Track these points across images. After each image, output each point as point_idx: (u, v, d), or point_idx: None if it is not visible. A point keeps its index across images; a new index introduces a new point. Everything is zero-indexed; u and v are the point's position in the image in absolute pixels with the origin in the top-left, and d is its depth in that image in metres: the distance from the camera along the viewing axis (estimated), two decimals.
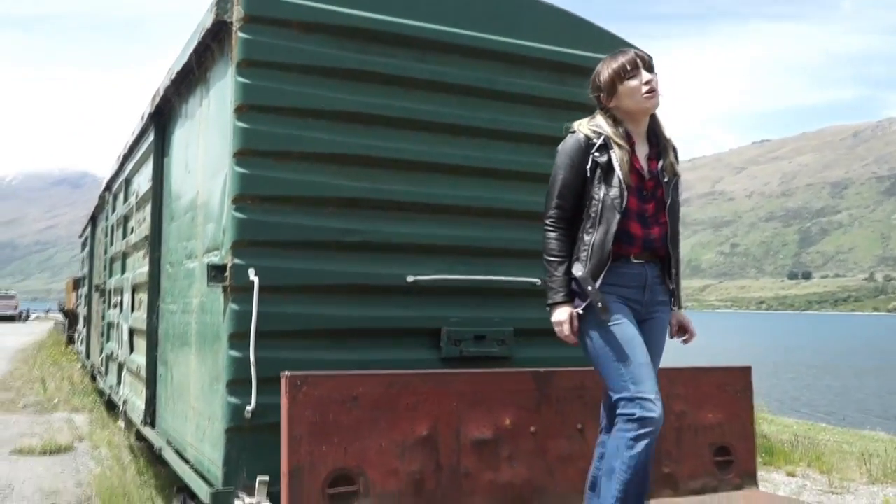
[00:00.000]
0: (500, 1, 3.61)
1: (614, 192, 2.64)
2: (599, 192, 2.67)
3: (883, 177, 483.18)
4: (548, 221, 2.76)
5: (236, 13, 3.07)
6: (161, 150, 4.57)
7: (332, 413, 2.52)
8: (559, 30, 3.69)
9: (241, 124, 3.06)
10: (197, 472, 3.33)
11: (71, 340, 17.68)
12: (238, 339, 2.97)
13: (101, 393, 9.19)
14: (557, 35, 3.67)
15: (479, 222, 3.45)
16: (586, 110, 3.67)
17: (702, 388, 3.20)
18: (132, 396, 5.31)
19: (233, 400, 2.95)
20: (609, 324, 2.62)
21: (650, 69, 2.74)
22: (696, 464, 3.12)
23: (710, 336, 47.19)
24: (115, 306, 6.55)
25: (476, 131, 3.47)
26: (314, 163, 3.17)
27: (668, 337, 2.87)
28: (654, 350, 2.74)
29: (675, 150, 2.82)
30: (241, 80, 3.06)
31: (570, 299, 2.68)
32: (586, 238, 2.67)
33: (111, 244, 7.06)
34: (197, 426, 3.42)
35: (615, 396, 2.59)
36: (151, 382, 4.50)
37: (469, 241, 3.42)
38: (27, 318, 52.86)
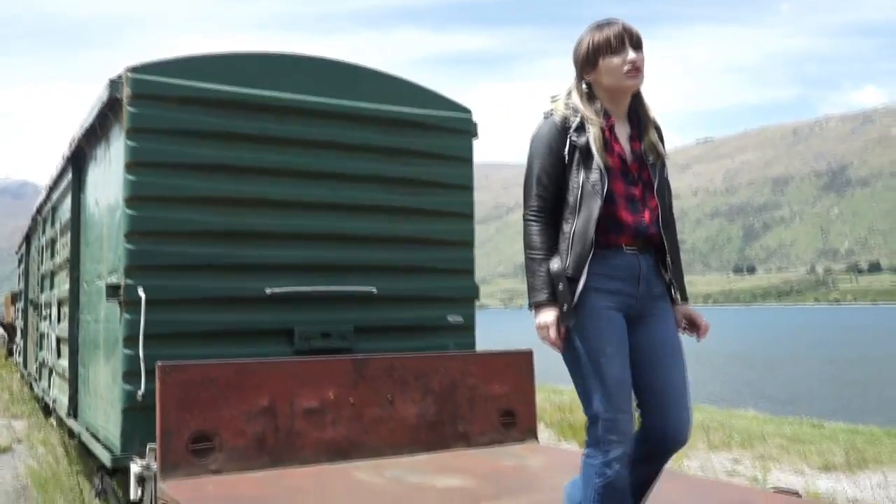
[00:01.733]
0: (341, 70, 4.62)
1: (594, 175, 2.46)
2: (579, 177, 2.48)
3: (821, 172, 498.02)
4: (529, 214, 2.54)
5: (125, 92, 4.02)
6: (78, 187, 5.47)
7: (194, 391, 3.48)
8: (390, 92, 4.71)
9: (129, 177, 4.01)
10: (105, 447, 4.25)
11: (10, 353, 18.15)
12: (130, 341, 3.92)
13: (38, 400, 9.93)
14: (389, 96, 4.69)
15: (325, 245, 4.45)
16: (415, 155, 4.71)
17: (492, 367, 4.25)
18: (60, 395, 6.18)
19: (127, 387, 3.90)
20: (585, 331, 2.42)
21: (637, 46, 2.53)
22: (485, 424, 4.16)
23: None
24: (45, 318, 7.39)
25: (323, 175, 4.46)
26: (190, 204, 4.12)
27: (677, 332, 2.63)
28: (667, 348, 2.54)
29: (658, 129, 2.64)
30: (129, 143, 4.01)
31: (556, 299, 2.43)
32: (566, 228, 2.48)
33: (42, 263, 7.88)
34: (104, 411, 4.35)
35: (585, 411, 2.46)
36: (74, 381, 5.40)
37: (317, 260, 4.41)
38: None
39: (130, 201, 4.00)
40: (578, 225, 2.45)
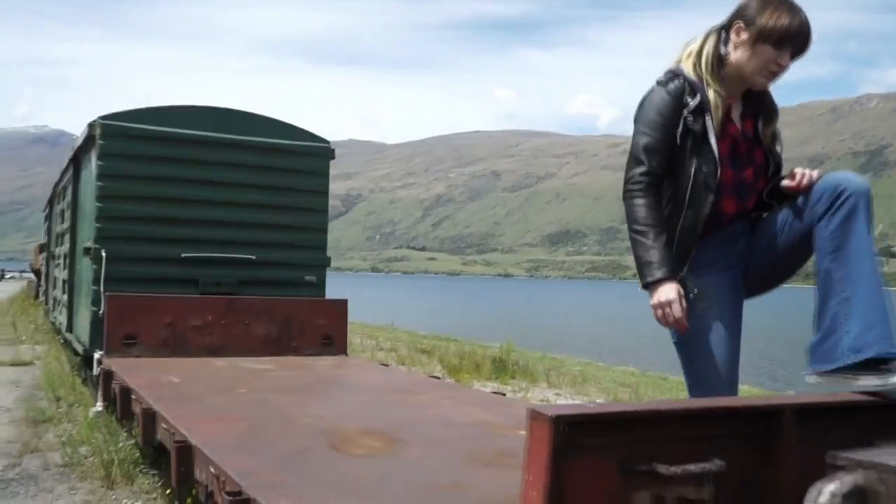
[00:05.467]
0: (238, 115, 7.23)
1: (708, 167, 2.34)
2: (691, 165, 2.35)
3: (859, 152, 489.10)
4: (634, 187, 2.37)
5: (97, 132, 6.64)
6: (76, 179, 8.14)
7: (126, 309, 6.13)
8: (271, 129, 7.29)
9: (99, 183, 6.65)
10: (82, 345, 6.96)
11: (37, 295, 21.21)
12: (96, 282, 6.58)
13: (56, 331, 12.78)
14: (270, 132, 7.27)
15: (222, 227, 7.08)
16: (286, 171, 7.29)
17: (317, 308, 6.87)
18: (62, 318, 8.96)
19: (94, 309, 6.58)
20: (697, 312, 2.34)
21: (796, 54, 2.39)
22: (311, 342, 6.78)
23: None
24: (57, 266, 10.18)
25: (222, 183, 7.07)
26: (137, 201, 6.76)
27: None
28: (781, 226, 2.38)
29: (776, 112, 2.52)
30: (99, 163, 6.65)
31: (675, 274, 2.30)
32: (673, 220, 2.38)
33: (57, 225, 10.65)
34: (83, 325, 7.07)
35: (686, 381, 2.46)
36: (69, 308, 8.15)
37: (216, 237, 7.05)
38: (2, 277, 55.91)
39: (99, 198, 6.66)
40: (687, 221, 2.37)
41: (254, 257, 7.15)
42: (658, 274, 2.28)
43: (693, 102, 2.35)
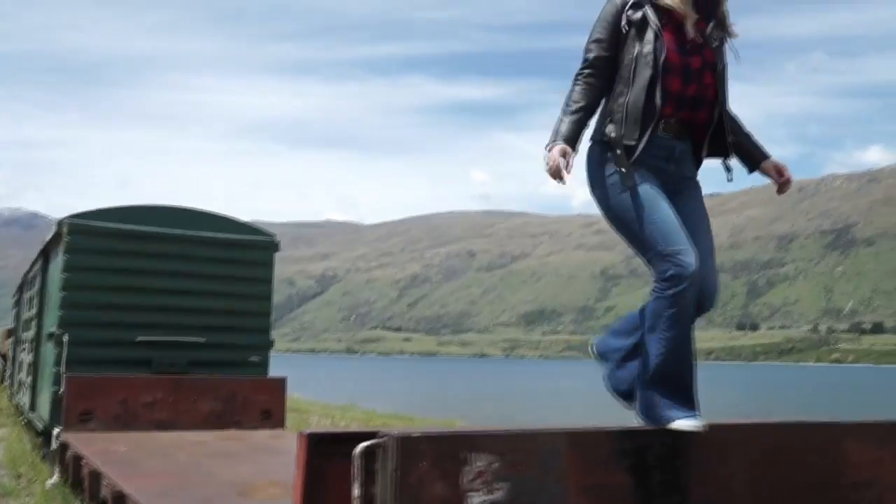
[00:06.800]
0: (191, 213, 8.14)
1: (647, 47, 2.58)
2: (633, 49, 2.61)
3: (826, 231, 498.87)
4: (576, 74, 2.71)
5: (64, 229, 7.51)
6: (45, 270, 8.96)
7: (84, 389, 6.87)
8: (220, 225, 8.21)
9: (64, 275, 7.48)
10: (42, 421, 7.64)
11: (2, 380, 21.52)
12: (58, 364, 7.33)
13: (19, 413, 13.30)
14: (219, 227, 8.18)
15: (174, 313, 7.89)
16: (232, 262, 8.18)
17: (258, 386, 7.65)
18: (26, 399, 9.62)
19: (54, 388, 7.30)
20: (632, 187, 2.57)
21: None
22: (251, 417, 7.52)
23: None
24: (23, 350, 10.87)
25: (175, 273, 7.93)
26: (97, 290, 7.59)
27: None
28: (698, 223, 2.69)
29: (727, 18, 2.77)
30: (65, 256, 7.49)
31: (570, 144, 2.63)
32: (620, 100, 2.62)
33: (25, 312, 11.38)
34: (44, 403, 7.77)
35: (647, 257, 2.57)
36: (33, 388, 8.84)
37: (169, 321, 7.86)
38: None
39: (64, 288, 7.48)
40: (632, 96, 2.60)
41: (203, 340, 7.95)
42: (558, 141, 2.64)
43: (632, 11, 2.68)
